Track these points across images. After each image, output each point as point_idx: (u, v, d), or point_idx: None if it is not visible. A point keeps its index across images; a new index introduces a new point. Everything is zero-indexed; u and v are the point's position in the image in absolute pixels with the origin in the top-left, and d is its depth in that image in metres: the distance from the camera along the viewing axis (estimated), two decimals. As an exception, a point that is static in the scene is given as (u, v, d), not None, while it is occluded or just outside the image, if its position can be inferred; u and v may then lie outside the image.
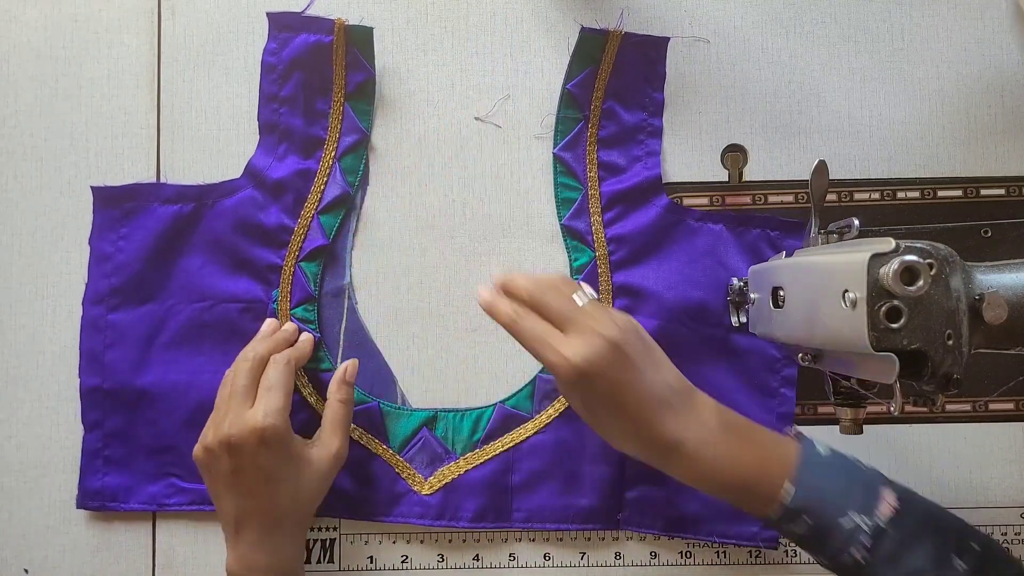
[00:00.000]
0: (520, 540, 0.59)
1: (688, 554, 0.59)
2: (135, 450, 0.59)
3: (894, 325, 0.36)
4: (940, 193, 0.59)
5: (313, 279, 0.59)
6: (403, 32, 0.61)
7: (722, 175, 0.60)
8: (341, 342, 0.60)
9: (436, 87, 0.61)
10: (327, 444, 0.53)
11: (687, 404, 0.46)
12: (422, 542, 0.59)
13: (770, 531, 0.57)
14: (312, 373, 0.58)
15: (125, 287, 0.59)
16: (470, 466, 0.58)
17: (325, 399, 0.56)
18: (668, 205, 0.59)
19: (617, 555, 0.59)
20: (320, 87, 0.59)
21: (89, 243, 0.60)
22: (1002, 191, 0.59)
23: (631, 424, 0.45)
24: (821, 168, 0.48)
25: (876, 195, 0.60)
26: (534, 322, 0.46)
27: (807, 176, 0.49)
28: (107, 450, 0.59)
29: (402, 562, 0.59)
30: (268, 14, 0.59)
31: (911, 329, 0.36)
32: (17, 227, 0.61)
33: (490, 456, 0.58)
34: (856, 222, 0.44)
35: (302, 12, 0.59)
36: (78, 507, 0.59)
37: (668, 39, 0.59)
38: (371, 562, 0.59)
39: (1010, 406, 0.59)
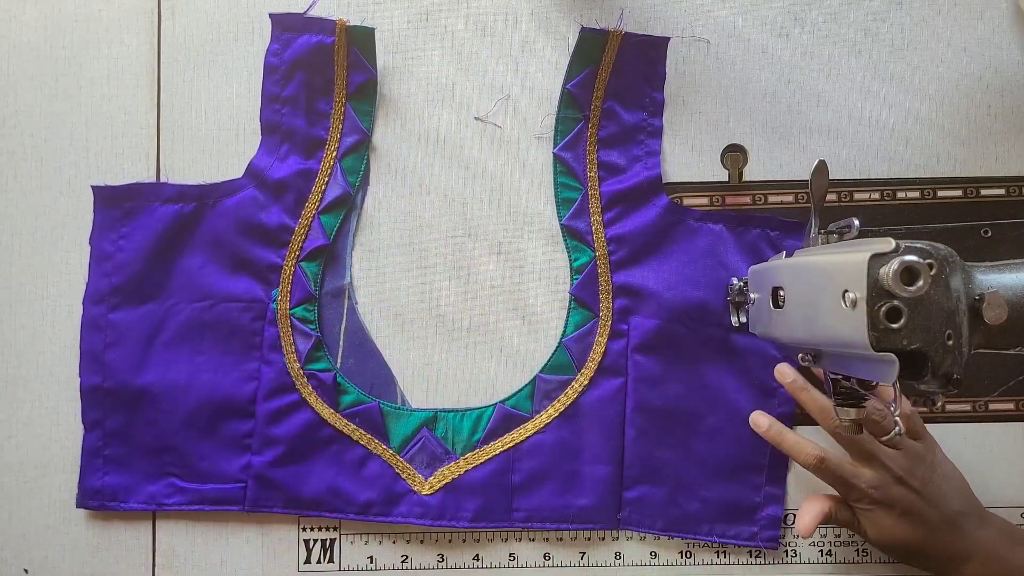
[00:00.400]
0: (520, 540, 0.59)
1: (688, 554, 0.59)
2: (135, 449, 0.59)
3: (894, 325, 0.36)
4: (940, 193, 0.59)
5: (313, 279, 0.59)
6: (403, 32, 0.61)
7: (722, 175, 0.60)
8: (341, 342, 0.60)
9: (436, 87, 0.61)
10: None
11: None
12: (422, 542, 0.59)
13: (770, 531, 0.57)
14: (311, 373, 0.58)
15: (125, 286, 0.59)
16: (470, 466, 0.58)
17: (325, 399, 0.56)
18: (668, 205, 0.59)
19: (617, 555, 0.59)
20: (322, 88, 0.59)
21: (89, 242, 0.60)
22: (1002, 191, 0.59)
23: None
24: (821, 168, 0.48)
25: (876, 195, 0.60)
26: None
27: (807, 176, 0.49)
28: (107, 449, 0.59)
29: (402, 562, 0.59)
30: (271, 15, 0.59)
31: (911, 329, 0.36)
32: (17, 227, 0.61)
33: (490, 456, 0.58)
34: (856, 222, 0.44)
35: (304, 13, 0.59)
36: (78, 506, 0.59)
37: (668, 39, 0.59)
38: (371, 562, 0.59)
39: (1010, 406, 0.59)
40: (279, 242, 0.59)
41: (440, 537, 0.59)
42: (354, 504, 0.58)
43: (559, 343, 0.59)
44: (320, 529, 0.59)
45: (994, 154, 0.60)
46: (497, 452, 0.58)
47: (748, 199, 0.60)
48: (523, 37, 0.61)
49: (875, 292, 0.36)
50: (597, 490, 0.57)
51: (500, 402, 0.59)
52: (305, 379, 0.58)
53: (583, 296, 0.59)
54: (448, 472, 0.58)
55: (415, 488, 0.58)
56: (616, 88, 0.59)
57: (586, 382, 0.58)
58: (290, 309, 0.59)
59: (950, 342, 0.37)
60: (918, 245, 0.37)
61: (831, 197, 0.59)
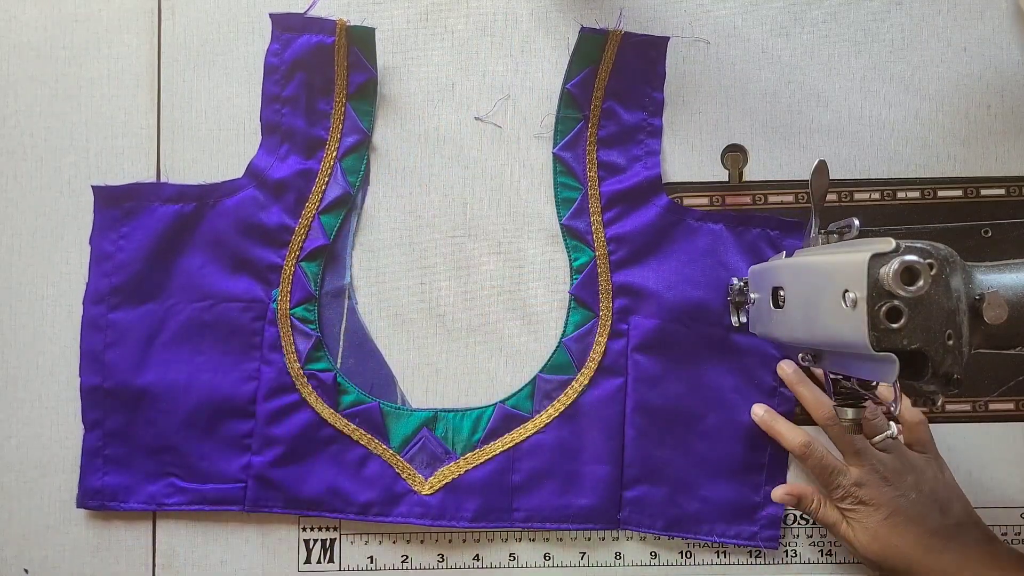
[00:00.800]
0: (520, 540, 0.59)
1: (688, 554, 0.59)
2: (135, 449, 0.59)
3: (894, 325, 0.36)
4: (940, 193, 0.59)
5: (313, 279, 0.59)
6: (403, 32, 0.61)
7: (722, 175, 0.60)
8: (341, 342, 0.60)
9: (436, 87, 0.61)
10: None
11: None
12: (422, 542, 0.59)
13: (770, 531, 0.58)
14: (312, 373, 0.58)
15: (125, 286, 0.59)
16: (470, 466, 0.58)
17: (325, 399, 0.56)
18: (668, 205, 0.59)
19: (617, 555, 0.59)
20: (322, 88, 0.59)
21: (89, 242, 0.60)
22: (1002, 191, 0.59)
23: None
24: (821, 168, 0.48)
25: (876, 195, 0.60)
26: None
27: (807, 176, 0.48)
28: (107, 449, 0.59)
29: (402, 562, 0.59)
30: (271, 15, 0.59)
31: (911, 329, 0.36)
32: (17, 227, 0.61)
33: (490, 456, 0.58)
34: (856, 222, 0.44)
35: (304, 13, 0.59)
36: (78, 506, 0.59)
37: (668, 39, 0.59)
38: (371, 562, 0.59)
39: (1010, 406, 0.59)
40: (279, 242, 0.59)
41: (440, 537, 0.59)
42: (354, 504, 0.58)
43: (559, 343, 0.59)
44: (320, 529, 0.59)
45: (994, 154, 0.60)
46: (497, 452, 0.58)
47: (748, 199, 0.60)
48: (523, 37, 0.61)
49: (875, 292, 0.36)
50: (597, 490, 0.57)
51: (500, 402, 0.59)
52: (305, 379, 0.58)
53: (583, 296, 0.59)
54: (448, 472, 0.58)
55: (415, 488, 0.58)
56: (616, 88, 0.59)
57: (586, 382, 0.58)
58: (290, 309, 0.59)
59: (950, 342, 0.37)
60: (918, 245, 0.37)
61: (831, 197, 0.59)
